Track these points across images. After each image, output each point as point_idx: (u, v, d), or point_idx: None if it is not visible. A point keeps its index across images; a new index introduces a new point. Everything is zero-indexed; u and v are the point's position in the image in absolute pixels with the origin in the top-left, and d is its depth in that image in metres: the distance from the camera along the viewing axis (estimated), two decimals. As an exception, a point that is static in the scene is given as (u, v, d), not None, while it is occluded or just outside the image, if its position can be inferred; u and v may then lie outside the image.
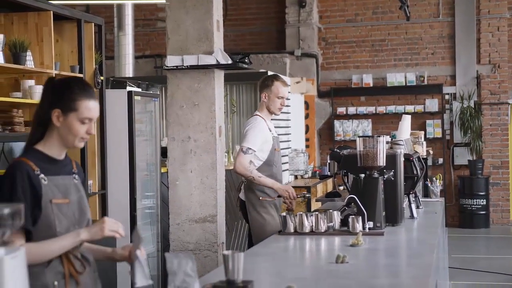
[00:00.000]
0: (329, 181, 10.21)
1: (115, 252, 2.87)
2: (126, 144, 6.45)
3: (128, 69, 11.05)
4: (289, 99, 9.20)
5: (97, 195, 6.24)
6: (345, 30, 12.93)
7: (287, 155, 9.54)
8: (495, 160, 12.40)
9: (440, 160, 12.35)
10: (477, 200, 12.02)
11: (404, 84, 12.52)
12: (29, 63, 5.46)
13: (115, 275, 6.07)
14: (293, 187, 5.59)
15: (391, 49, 12.78)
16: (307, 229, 4.09)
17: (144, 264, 2.71)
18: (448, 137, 12.52)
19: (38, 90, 5.47)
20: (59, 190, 2.70)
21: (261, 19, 13.32)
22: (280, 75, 5.50)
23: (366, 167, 4.25)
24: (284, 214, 4.23)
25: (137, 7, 12.21)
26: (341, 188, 7.58)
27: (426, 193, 6.50)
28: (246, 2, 13.33)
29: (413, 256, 3.66)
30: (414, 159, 4.95)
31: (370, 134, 12.16)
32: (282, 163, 5.98)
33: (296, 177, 9.90)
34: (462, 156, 12.43)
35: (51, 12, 5.67)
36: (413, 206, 4.94)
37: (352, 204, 4.19)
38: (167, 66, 5.10)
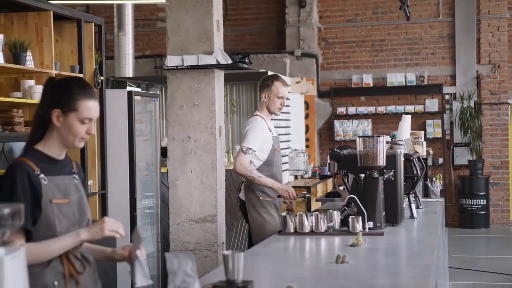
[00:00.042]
0: (329, 181, 10.21)
1: (115, 252, 2.87)
2: (126, 144, 6.45)
3: (128, 69, 11.05)
4: (289, 99, 9.19)
5: (97, 195, 6.24)
6: (345, 30, 12.93)
7: (287, 155, 9.54)
8: (495, 160, 12.40)
9: (440, 160, 12.35)
10: (477, 200, 12.02)
11: (404, 84, 12.52)
12: (29, 63, 5.46)
13: (115, 275, 6.07)
14: (293, 187, 5.59)
15: (391, 49, 12.78)
16: (307, 229, 4.09)
17: (144, 264, 2.71)
18: (448, 137, 12.52)
19: (38, 90, 5.46)
20: (59, 190, 2.70)
21: (261, 19, 13.32)
22: (280, 75, 5.50)
23: (366, 167, 4.25)
24: (284, 214, 4.23)
25: (137, 7, 12.21)
26: (341, 188, 7.58)
27: (426, 193, 6.50)
28: (246, 2, 13.33)
29: (413, 256, 3.66)
30: (414, 159, 4.95)
31: (370, 134, 12.16)
32: (282, 163, 5.98)
33: (296, 177, 9.90)
34: (462, 156, 12.43)
35: (51, 12, 5.67)
36: (413, 206, 4.94)
37: (352, 204, 4.19)
38: (167, 66, 5.10)
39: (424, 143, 6.86)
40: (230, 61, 5.04)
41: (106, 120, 6.29)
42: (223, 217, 5.27)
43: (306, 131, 12.06)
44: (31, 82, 5.52)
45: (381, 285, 2.98)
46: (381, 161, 4.25)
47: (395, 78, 12.53)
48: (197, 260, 4.31)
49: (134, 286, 2.55)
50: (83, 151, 5.87)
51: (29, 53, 5.46)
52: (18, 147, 6.78)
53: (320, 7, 12.97)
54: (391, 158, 4.40)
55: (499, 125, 12.41)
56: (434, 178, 6.65)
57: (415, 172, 4.94)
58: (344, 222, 4.16)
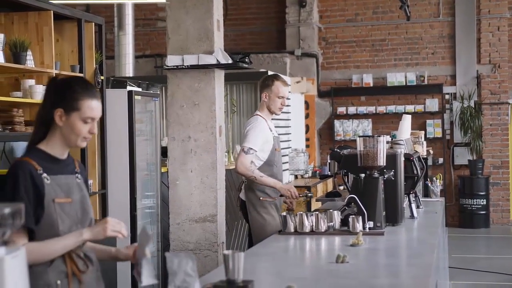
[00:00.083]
0: (329, 181, 10.21)
1: (119, 251, 2.87)
2: (126, 143, 6.45)
3: (128, 69, 11.05)
4: (289, 98, 9.20)
5: (97, 194, 6.24)
6: (345, 29, 12.93)
7: (287, 155, 9.54)
8: (495, 160, 12.40)
9: (440, 160, 12.35)
10: (477, 200, 12.02)
11: (404, 84, 12.52)
12: (30, 62, 5.46)
13: (115, 274, 6.07)
14: (294, 186, 5.59)
15: (391, 49, 12.78)
16: (307, 228, 4.09)
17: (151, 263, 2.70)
18: (448, 137, 12.52)
19: (39, 89, 5.47)
20: (61, 189, 2.71)
21: (262, 18, 13.32)
22: (280, 75, 5.50)
23: (366, 167, 4.25)
24: (284, 213, 4.23)
25: (137, 7, 12.21)
26: (341, 188, 7.59)
27: (426, 193, 6.50)
28: (246, 1, 13.33)
29: (413, 256, 3.66)
30: (414, 159, 4.95)
31: (370, 134, 12.16)
32: (282, 163, 5.98)
33: (296, 176, 9.90)
34: (462, 156, 12.43)
35: (52, 11, 5.67)
36: (413, 206, 4.94)
37: (352, 204, 4.19)
38: (168, 66, 5.11)
39: (424, 143, 6.86)
40: (230, 61, 5.05)
41: (106, 119, 6.29)
42: (223, 216, 5.27)
43: (306, 131, 12.06)
44: (31, 82, 5.52)
45: (381, 285, 2.98)
46: (381, 161, 4.25)
47: (395, 78, 12.53)
48: (197, 259, 4.30)
49: (140, 284, 2.55)
50: (83, 150, 5.87)
51: (29, 52, 5.46)
52: (19, 147, 6.79)
53: (320, 7, 12.97)
54: (391, 158, 4.40)
55: (499, 125, 12.41)
56: (434, 178, 6.65)
57: (415, 172, 4.94)
58: (344, 222, 4.16)
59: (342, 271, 3.14)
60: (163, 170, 6.95)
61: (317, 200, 7.53)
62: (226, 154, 7.77)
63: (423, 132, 7.25)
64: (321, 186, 9.61)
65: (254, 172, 5.08)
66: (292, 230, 4.13)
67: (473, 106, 12.21)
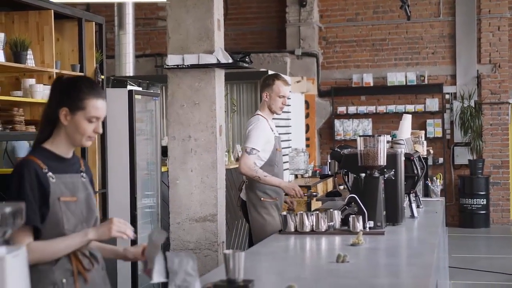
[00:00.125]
0: (330, 181, 10.21)
1: (128, 251, 2.87)
2: (127, 143, 6.45)
3: (128, 68, 11.05)
4: (289, 98, 9.20)
5: (97, 194, 6.24)
6: (345, 29, 12.93)
7: (287, 155, 9.54)
8: (496, 160, 12.40)
9: (441, 160, 12.35)
10: (477, 199, 12.02)
11: (404, 83, 12.52)
12: (30, 61, 5.46)
13: (116, 273, 6.07)
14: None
15: (392, 48, 12.77)
16: (307, 228, 4.09)
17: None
18: (448, 136, 12.52)
19: (39, 89, 5.47)
20: (67, 188, 2.72)
21: (262, 18, 13.32)
22: (281, 74, 5.49)
23: (366, 166, 4.25)
24: (284, 213, 4.23)
25: (137, 6, 12.22)
26: (342, 187, 7.59)
27: (427, 192, 6.49)
28: (247, 1, 13.33)
29: (413, 256, 3.66)
30: (414, 159, 4.95)
31: (370, 133, 12.16)
32: (283, 163, 5.98)
33: (296, 176, 9.90)
34: (462, 156, 12.43)
35: (52, 11, 5.68)
36: (414, 205, 4.94)
37: (353, 203, 4.20)
38: (168, 65, 5.10)
39: (425, 142, 6.87)
40: (230, 60, 5.04)
41: (107, 119, 6.29)
42: (224, 216, 5.27)
43: (307, 131, 12.06)
44: (31, 81, 5.52)
45: (381, 284, 2.98)
46: (382, 160, 4.25)
47: (395, 78, 12.52)
48: (197, 259, 4.31)
49: (151, 281, 2.54)
50: (83, 149, 5.87)
51: (29, 52, 5.46)
52: (21, 146, 6.78)
53: (321, 7, 12.97)
54: (392, 158, 4.41)
55: (500, 124, 12.41)
56: (434, 178, 6.65)
57: (415, 171, 4.94)
58: (344, 221, 4.16)
59: (343, 270, 3.15)
60: (163, 169, 6.95)
61: (317, 200, 7.53)
62: (226, 153, 7.77)
63: (423, 131, 7.25)
64: (321, 186, 9.61)
65: (258, 172, 5.07)
66: (293, 229, 4.13)
67: (473, 106, 12.21)
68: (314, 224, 4.10)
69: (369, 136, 4.29)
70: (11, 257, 1.72)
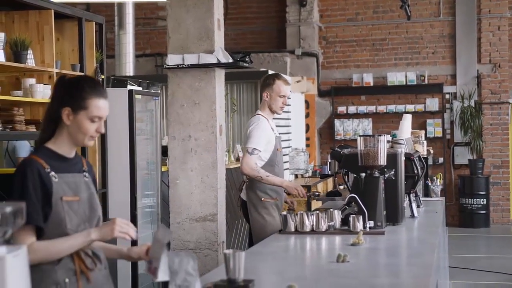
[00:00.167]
0: (330, 180, 10.22)
1: (132, 250, 2.87)
2: (127, 143, 6.45)
3: (128, 68, 11.05)
4: (290, 98, 9.20)
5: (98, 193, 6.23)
6: (345, 29, 12.93)
7: (287, 154, 9.54)
8: (496, 160, 12.40)
9: (441, 160, 12.35)
10: (477, 199, 12.02)
11: (404, 83, 12.52)
12: (30, 61, 5.46)
13: (116, 272, 6.07)
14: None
15: (392, 48, 12.77)
16: (307, 228, 4.09)
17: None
18: (448, 136, 12.52)
19: (39, 88, 5.47)
20: (69, 187, 2.72)
21: (262, 18, 13.32)
22: (281, 74, 5.49)
23: (366, 166, 4.25)
24: (284, 213, 4.23)
25: (137, 6, 12.21)
26: (342, 187, 7.59)
27: (427, 192, 6.50)
28: (247, 1, 13.33)
29: (413, 256, 3.66)
30: (414, 158, 4.95)
31: (370, 133, 12.16)
32: (283, 162, 5.97)
33: (296, 176, 9.90)
34: (462, 156, 12.43)
35: (52, 10, 5.67)
36: (414, 205, 4.94)
37: (353, 203, 4.20)
38: (168, 65, 5.10)
39: (425, 142, 6.87)
40: (230, 60, 5.04)
41: (107, 119, 6.28)
42: (224, 216, 5.27)
43: (307, 130, 12.06)
44: (32, 81, 5.52)
45: (381, 284, 2.98)
46: (382, 160, 4.25)
47: (395, 77, 12.52)
48: (197, 259, 4.31)
49: (155, 280, 2.54)
50: (83, 149, 5.87)
51: (30, 51, 5.46)
52: (22, 146, 6.77)
53: (321, 6, 12.97)
54: (392, 157, 4.40)
55: (500, 124, 12.41)
56: (434, 178, 6.65)
57: (415, 171, 4.94)
58: (344, 221, 4.16)
59: (343, 270, 3.15)
60: (164, 169, 6.95)
61: (317, 200, 7.53)
62: (227, 153, 7.78)
63: (423, 131, 7.25)
64: (321, 186, 9.62)
65: (260, 172, 5.06)
66: (293, 229, 4.13)
67: (474, 106, 12.21)
68: (314, 224, 4.10)
69: (369, 136, 4.30)
70: (12, 256, 1.72)
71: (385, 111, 12.53)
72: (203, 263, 4.97)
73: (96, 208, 2.81)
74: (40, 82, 5.56)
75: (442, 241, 5.10)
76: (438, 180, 6.56)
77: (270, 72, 7.86)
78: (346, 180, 4.65)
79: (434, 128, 12.44)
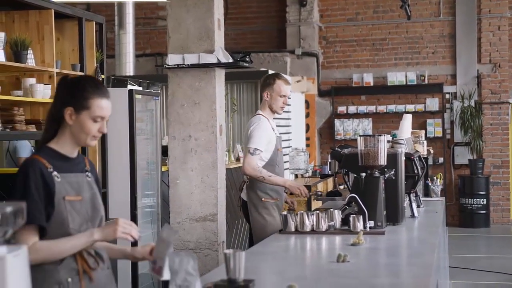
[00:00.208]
0: (330, 180, 10.22)
1: (135, 250, 2.87)
2: (127, 142, 6.45)
3: (128, 68, 11.05)
4: (290, 97, 9.21)
5: (98, 193, 6.23)
6: (345, 29, 12.93)
7: (287, 154, 9.54)
8: (496, 160, 12.40)
9: (441, 160, 12.35)
10: (478, 199, 12.02)
11: (404, 83, 12.52)
12: (30, 61, 5.46)
13: (116, 273, 6.07)
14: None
15: (392, 48, 12.77)
16: (308, 228, 4.09)
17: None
18: (448, 136, 12.52)
19: (39, 88, 5.47)
20: (72, 187, 2.72)
21: (262, 18, 13.32)
22: (281, 74, 5.49)
23: (367, 166, 4.25)
24: (285, 213, 4.23)
25: (137, 6, 12.22)
26: (342, 187, 7.58)
27: (427, 192, 6.50)
28: (247, 0, 13.33)
29: (414, 256, 3.66)
30: (415, 158, 4.95)
31: (370, 133, 12.16)
32: (283, 162, 5.97)
33: (296, 176, 9.90)
34: (462, 156, 12.43)
35: (52, 10, 5.67)
36: (414, 205, 4.94)
37: (353, 203, 4.19)
38: (168, 65, 5.10)
39: (425, 142, 6.87)
40: (231, 60, 5.04)
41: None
42: (224, 216, 5.27)
43: (307, 130, 12.06)
44: (32, 81, 5.52)
45: (382, 284, 2.98)
46: (382, 160, 4.25)
47: (395, 77, 12.52)
48: (197, 259, 4.31)
49: (160, 278, 2.54)
50: (83, 149, 5.87)
51: (30, 51, 5.46)
52: (23, 146, 6.77)
53: (321, 6, 12.97)
54: (392, 157, 4.40)
55: (500, 124, 12.41)
56: (434, 178, 6.65)
57: (416, 171, 4.94)
58: (345, 221, 4.16)
59: (343, 270, 3.15)
60: (164, 169, 6.95)
61: (317, 200, 7.52)
62: (227, 153, 7.78)
63: (423, 131, 7.25)
64: (321, 186, 9.61)
65: (262, 172, 5.05)
66: (293, 229, 4.13)
67: (474, 106, 12.21)
68: (315, 224, 4.10)
69: (369, 135, 4.30)
70: (12, 256, 1.72)
71: (385, 111, 12.54)
72: (203, 263, 4.97)
73: (99, 208, 2.81)
74: (40, 82, 5.56)
75: (442, 241, 5.10)
76: (438, 180, 6.56)
77: (270, 72, 7.86)
78: (346, 180, 4.65)
79: (434, 128, 12.44)
